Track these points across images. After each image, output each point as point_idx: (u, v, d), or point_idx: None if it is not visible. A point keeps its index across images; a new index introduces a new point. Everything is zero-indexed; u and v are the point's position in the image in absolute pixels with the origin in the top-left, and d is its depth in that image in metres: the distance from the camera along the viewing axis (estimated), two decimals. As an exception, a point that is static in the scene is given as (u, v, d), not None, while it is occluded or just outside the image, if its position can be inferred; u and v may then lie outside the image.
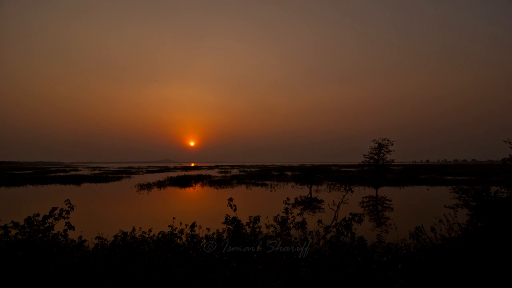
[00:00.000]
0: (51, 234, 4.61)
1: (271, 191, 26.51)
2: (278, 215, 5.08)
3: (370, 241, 5.22)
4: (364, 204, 18.57)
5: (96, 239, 5.07)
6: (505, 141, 8.33)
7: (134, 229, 5.57)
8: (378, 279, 3.66)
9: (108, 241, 4.96)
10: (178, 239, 5.12)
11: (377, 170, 25.60)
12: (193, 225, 5.17)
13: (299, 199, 20.77)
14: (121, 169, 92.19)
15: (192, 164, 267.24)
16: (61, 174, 56.31)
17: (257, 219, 5.02)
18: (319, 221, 5.14)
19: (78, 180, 38.86)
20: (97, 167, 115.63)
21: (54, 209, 4.74)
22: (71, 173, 60.97)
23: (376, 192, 24.73)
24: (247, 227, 5.05)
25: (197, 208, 17.59)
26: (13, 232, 4.58)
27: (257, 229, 5.05)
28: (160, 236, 5.12)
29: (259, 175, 48.59)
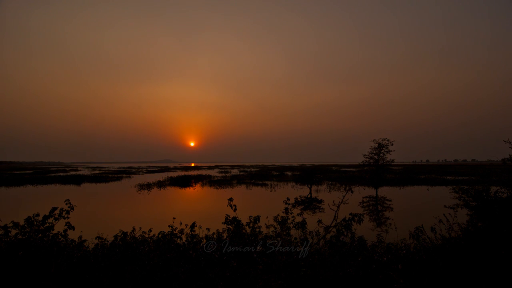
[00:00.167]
0: (51, 234, 4.61)
1: (271, 191, 26.51)
2: (278, 215, 5.08)
3: (370, 241, 5.22)
4: (364, 204, 18.57)
5: (96, 239, 5.07)
6: (505, 141, 8.33)
7: (134, 229, 5.57)
8: (378, 279, 3.66)
9: (108, 241, 4.96)
10: (178, 239, 5.12)
11: (377, 170, 25.60)
12: (193, 225, 5.17)
13: (299, 199, 20.77)
14: (121, 169, 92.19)
15: (192, 164, 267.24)
16: (61, 174, 56.32)
17: (257, 219, 5.02)
18: (319, 221, 5.14)
19: (78, 180, 38.87)
20: (97, 167, 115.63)
21: (54, 209, 4.74)
22: (71, 173, 60.97)
23: (376, 192, 24.73)
24: (247, 227, 5.05)
25: (197, 208, 17.59)
26: (13, 232, 4.58)
27: (257, 229, 5.05)
28: (160, 236, 5.12)
29: (259, 175, 48.59)
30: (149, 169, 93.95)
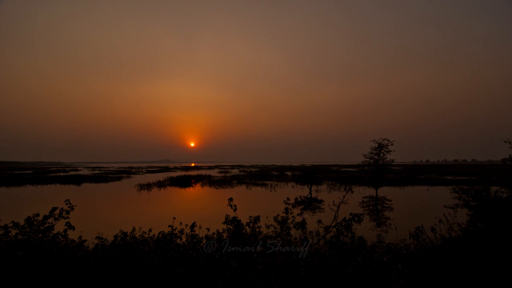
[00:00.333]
0: (51, 234, 4.61)
1: (271, 191, 26.51)
2: (278, 215, 5.08)
3: (370, 241, 5.22)
4: (364, 204, 18.57)
5: (96, 239, 5.07)
6: (505, 141, 8.32)
7: (134, 229, 5.56)
8: (378, 279, 3.66)
9: (108, 241, 4.95)
10: (178, 239, 5.12)
11: (377, 170, 25.60)
12: (193, 225, 5.17)
13: (299, 199, 20.77)
14: (121, 169, 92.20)
15: (192, 164, 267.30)
16: (61, 174, 56.32)
17: (257, 219, 5.01)
18: (319, 221, 5.14)
19: (78, 180, 38.88)
20: (97, 167, 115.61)
21: (54, 209, 4.74)
22: (71, 173, 60.97)
23: (376, 192, 24.73)
24: (247, 227, 5.04)
25: (197, 208, 17.59)
26: (13, 232, 4.57)
27: (257, 229, 5.05)
28: (160, 236, 5.12)
29: (259, 175, 48.59)
30: (149, 169, 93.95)
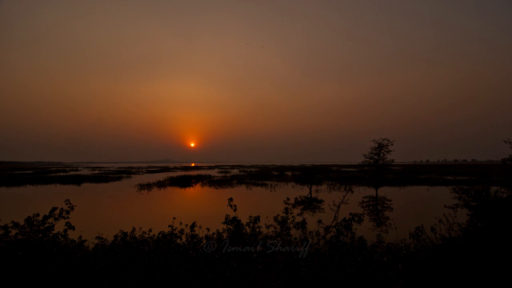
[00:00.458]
0: (51, 234, 4.61)
1: (271, 191, 26.51)
2: (278, 215, 5.08)
3: (370, 241, 5.22)
4: (364, 204, 18.57)
5: (96, 239, 5.07)
6: (505, 141, 8.31)
7: (134, 229, 5.56)
8: (378, 279, 3.66)
9: (108, 241, 4.95)
10: (178, 239, 5.12)
11: (377, 170, 25.61)
12: (193, 225, 5.17)
13: (299, 199, 20.77)
14: (121, 169, 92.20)
15: (193, 164, 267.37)
16: (61, 174, 56.31)
17: (257, 219, 5.01)
18: (319, 221, 5.14)
19: (78, 180, 38.88)
20: (97, 167, 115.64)
21: (54, 209, 4.74)
22: (71, 173, 60.97)
23: (376, 192, 24.73)
24: (247, 227, 5.04)
25: (197, 208, 17.60)
26: (13, 232, 4.57)
27: (257, 229, 5.05)
28: (160, 236, 5.12)
29: (259, 175, 48.59)
30: (149, 169, 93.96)
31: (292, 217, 4.95)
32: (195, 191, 26.88)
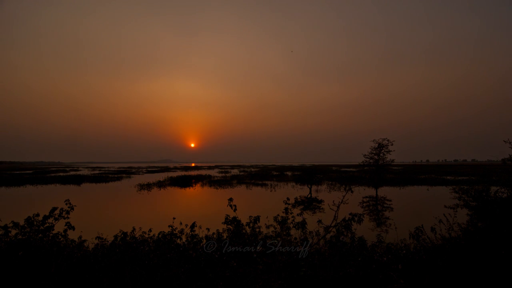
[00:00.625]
0: (51, 234, 4.61)
1: (271, 191, 26.51)
2: (278, 215, 5.08)
3: (370, 241, 5.22)
4: (364, 204, 18.57)
5: (96, 239, 5.07)
6: (505, 141, 8.31)
7: (134, 229, 5.56)
8: (378, 279, 3.66)
9: (108, 241, 4.95)
10: (178, 239, 5.11)
11: (377, 170, 25.61)
12: (193, 225, 5.17)
13: (299, 199, 20.77)
14: (121, 169, 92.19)
15: (193, 164, 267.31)
16: (61, 174, 56.31)
17: (257, 219, 5.01)
18: (319, 221, 5.14)
19: (78, 180, 38.87)
20: (97, 167, 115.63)
21: (54, 209, 4.74)
22: (71, 173, 60.96)
23: (376, 192, 24.72)
24: (247, 227, 5.05)
25: (197, 208, 17.60)
26: (13, 232, 4.58)
27: (257, 229, 5.05)
28: (160, 236, 5.12)
29: (259, 175, 48.58)
30: (149, 169, 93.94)
31: (292, 217, 4.94)
32: (195, 191, 26.88)
